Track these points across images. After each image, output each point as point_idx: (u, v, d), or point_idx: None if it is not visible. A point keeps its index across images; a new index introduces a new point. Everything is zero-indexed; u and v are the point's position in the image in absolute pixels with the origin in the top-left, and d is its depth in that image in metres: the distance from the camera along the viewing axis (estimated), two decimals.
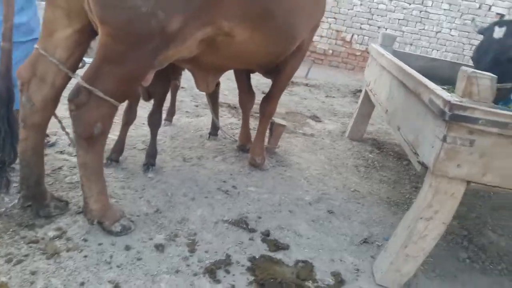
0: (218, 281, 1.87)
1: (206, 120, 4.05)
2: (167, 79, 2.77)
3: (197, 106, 4.51)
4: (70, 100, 1.79)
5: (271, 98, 3.02)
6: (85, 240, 1.97)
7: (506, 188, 1.83)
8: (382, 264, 2.09)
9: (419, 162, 1.98)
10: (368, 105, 4.19)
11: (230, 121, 4.17)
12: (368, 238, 2.48)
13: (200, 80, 2.57)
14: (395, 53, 3.73)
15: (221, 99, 4.75)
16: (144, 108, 3.60)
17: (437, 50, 8.75)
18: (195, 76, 2.58)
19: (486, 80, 1.70)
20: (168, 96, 3.79)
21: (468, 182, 1.83)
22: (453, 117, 1.68)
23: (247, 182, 2.90)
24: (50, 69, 1.92)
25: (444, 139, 1.75)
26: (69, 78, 2.00)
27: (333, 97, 6.13)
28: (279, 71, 2.87)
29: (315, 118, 4.88)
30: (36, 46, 1.94)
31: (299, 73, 7.14)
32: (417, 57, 4.30)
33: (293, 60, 2.83)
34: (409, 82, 2.34)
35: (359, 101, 4.30)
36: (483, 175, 1.79)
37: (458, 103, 1.68)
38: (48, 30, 1.89)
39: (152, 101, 2.82)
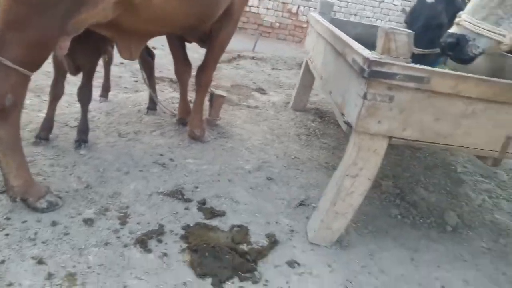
0: (150, 251, 1.86)
1: (145, 95, 3.93)
2: (95, 50, 2.64)
3: (136, 81, 4.37)
4: None
5: (205, 68, 2.97)
6: (8, 219, 1.88)
7: (426, 141, 1.92)
8: (314, 223, 2.15)
9: (345, 122, 2.03)
10: (309, 75, 4.22)
11: (171, 95, 4.08)
12: (304, 200, 2.55)
13: (123, 48, 2.45)
14: (333, 21, 3.75)
15: (163, 73, 4.65)
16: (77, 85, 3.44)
17: (381, 20, 8.95)
18: (117, 43, 2.47)
19: (403, 36, 1.74)
20: (102, 72, 3.67)
21: (390, 137, 1.90)
22: (371, 74, 1.72)
23: (186, 154, 2.87)
24: None
25: (364, 96, 1.79)
26: None
27: (280, 69, 6.14)
28: (211, 39, 2.81)
29: (261, 90, 4.88)
30: None
31: (246, 47, 7.13)
32: (355, 24, 4.34)
33: (224, 27, 2.77)
34: (337, 45, 2.38)
35: (301, 71, 4.33)
36: (403, 130, 1.87)
37: (376, 59, 1.72)
38: None
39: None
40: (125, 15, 2.01)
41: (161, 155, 2.79)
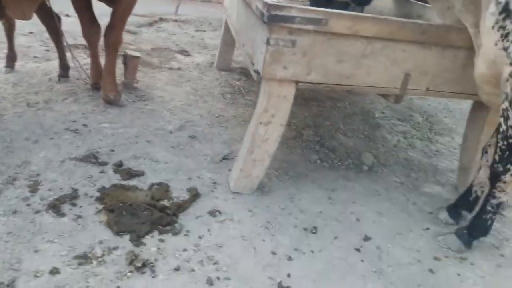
0: (63, 214, 1.80)
1: (56, 63, 3.67)
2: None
3: (47, 50, 4.07)
4: None
5: (113, 27, 2.82)
6: None
7: (330, 83, 1.99)
8: (234, 173, 2.20)
9: (254, 71, 2.05)
10: (230, 34, 4.16)
11: (86, 62, 3.85)
12: (228, 155, 2.58)
13: (14, 6, 2.25)
14: None
15: (78, 41, 4.35)
16: None
17: None
18: (6, 2, 2.25)
19: None
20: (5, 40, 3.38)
21: (296, 82, 1.95)
22: (271, 18, 1.74)
23: (101, 119, 2.76)
24: None
25: (268, 42, 1.81)
26: None
27: (204, 31, 6.00)
28: (116, 2, 2.68)
29: (184, 52, 4.76)
30: None
31: (168, 10, 6.86)
32: None
33: None
34: None
35: (222, 29, 4.27)
36: (307, 74, 1.92)
37: (274, 3, 1.73)
38: None
39: None
40: None
41: (74, 121, 2.66)
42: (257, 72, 2.02)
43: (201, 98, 3.46)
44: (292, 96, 1.99)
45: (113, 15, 2.79)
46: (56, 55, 3.91)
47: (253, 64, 2.13)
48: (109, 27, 2.82)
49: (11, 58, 3.38)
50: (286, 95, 1.98)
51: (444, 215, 2.22)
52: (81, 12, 2.95)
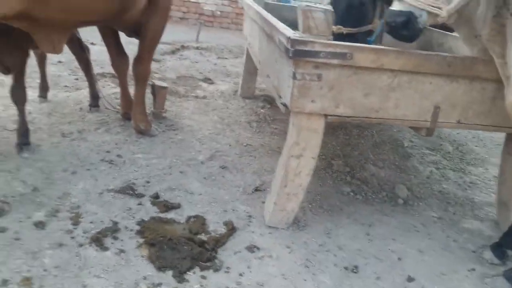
0: (106, 248, 1.82)
1: (86, 92, 3.77)
2: (20, 48, 2.50)
3: (77, 79, 4.19)
4: None
5: (140, 59, 2.91)
6: None
7: (359, 116, 1.99)
8: (268, 206, 2.21)
9: (282, 104, 2.08)
10: (252, 62, 4.26)
11: (114, 91, 3.96)
12: (259, 186, 2.59)
13: (44, 40, 2.34)
14: (267, 6, 3.78)
15: (105, 69, 4.48)
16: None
17: (320, 4, 9.13)
18: (36, 36, 2.34)
19: (320, 13, 1.78)
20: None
21: (325, 115, 1.96)
22: (296, 53, 1.76)
23: (134, 149, 2.81)
24: None
25: (294, 76, 1.84)
26: None
27: (226, 58, 6.13)
28: (142, 30, 2.78)
29: (208, 80, 4.85)
30: None
31: (189, 37, 7.02)
32: (290, 8, 4.41)
33: (153, 17, 2.74)
34: (267, 28, 2.41)
35: (244, 58, 4.35)
36: (336, 107, 1.93)
37: (297, 38, 1.76)
38: None
39: None
40: (32, 5, 1.92)
41: (108, 152, 2.72)
42: (285, 105, 2.05)
43: (228, 127, 3.51)
44: (322, 129, 2.00)
45: (140, 47, 2.88)
46: (85, 84, 4.04)
47: (280, 96, 2.17)
48: (137, 59, 2.91)
49: (44, 88, 3.49)
50: (316, 128, 1.99)
51: (489, 255, 2.14)
52: (109, 44, 3.06)
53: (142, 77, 2.95)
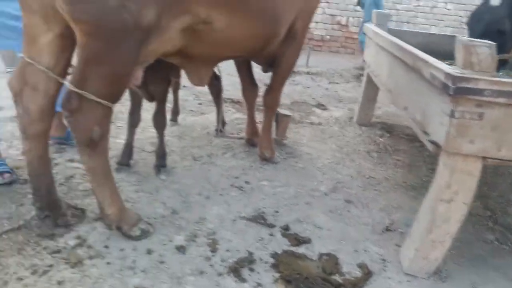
0: (244, 280, 1.84)
1: (211, 117, 4.01)
2: (166, 77, 2.72)
3: (200, 104, 4.47)
4: (63, 106, 1.75)
5: (273, 90, 2.98)
6: (107, 247, 1.95)
7: None
8: (408, 252, 2.05)
9: (430, 141, 1.93)
10: (372, 88, 4.14)
11: (235, 116, 4.13)
12: (390, 225, 2.45)
13: (192, 74, 2.50)
14: (390, 31, 3.67)
15: (224, 94, 4.71)
16: (149, 111, 3.56)
17: (435, 26, 8.65)
18: (186, 70, 2.51)
19: (485, 48, 1.63)
20: (171, 96, 3.77)
21: (484, 158, 1.78)
22: (458, 91, 1.62)
23: (260, 176, 2.87)
24: (40, 77, 1.86)
25: (452, 115, 1.69)
26: (61, 85, 1.95)
27: (337, 83, 6.07)
28: (277, 62, 2.82)
29: (321, 106, 4.83)
30: (21, 54, 1.89)
31: (299, 62, 7.11)
32: (413, 33, 4.22)
33: (289, 49, 2.76)
34: (407, 58, 2.29)
35: (363, 85, 4.25)
36: (498, 149, 1.73)
37: (461, 75, 1.62)
38: (29, 37, 1.82)
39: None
40: (191, 42, 2.04)
41: (236, 177, 2.81)
42: (434, 143, 1.90)
43: (347, 156, 3.42)
44: (478, 172, 1.80)
45: (273, 78, 2.94)
46: (208, 109, 4.28)
47: (426, 133, 2.02)
48: (269, 89, 2.97)
49: (175, 112, 3.77)
50: (472, 171, 1.80)
51: None
52: (243, 74, 3.19)
53: (271, 106, 3.03)
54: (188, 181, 2.70)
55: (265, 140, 3.06)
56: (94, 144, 1.79)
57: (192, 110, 4.21)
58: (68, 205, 2.12)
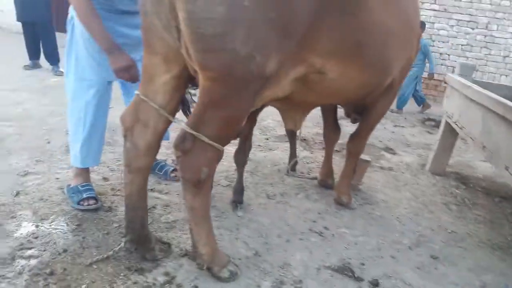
0: None
1: (280, 153, 3.99)
2: (254, 116, 2.73)
3: (267, 139, 4.47)
4: (176, 146, 1.78)
5: (359, 137, 2.90)
6: (196, 287, 1.91)
7: None
8: None
9: None
10: (450, 137, 4.00)
11: (303, 155, 4.08)
12: None
13: (289, 119, 2.49)
14: (475, 83, 3.55)
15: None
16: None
17: (506, 76, 8.32)
18: (283, 114, 2.51)
19: None
20: None
21: None
22: None
23: (338, 222, 2.76)
24: (152, 114, 1.94)
25: None
26: (169, 123, 2.01)
27: (402, 126, 5.92)
28: (370, 110, 2.75)
29: (389, 150, 4.70)
30: (136, 92, 1.97)
31: None
32: (498, 86, 4.07)
33: (384, 98, 2.69)
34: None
35: (440, 133, 4.10)
36: None
37: None
38: (148, 76, 1.92)
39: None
40: (299, 90, 2.04)
41: (314, 221, 2.72)
42: None
43: (424, 206, 3.25)
44: None
45: (362, 125, 2.87)
46: (275, 145, 4.27)
47: None
48: (356, 135, 2.90)
49: (248, 147, 3.77)
50: None
51: None
52: (328, 116, 3.16)
53: (356, 152, 2.95)
54: (266, 221, 2.65)
55: (344, 185, 2.98)
56: (201, 184, 1.79)
57: (260, 145, 4.21)
58: (156, 239, 2.12)
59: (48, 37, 6.68)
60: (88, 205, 2.46)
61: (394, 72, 2.45)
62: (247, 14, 1.52)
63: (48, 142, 3.52)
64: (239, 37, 1.53)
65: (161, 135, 2.01)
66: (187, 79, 1.96)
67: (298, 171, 3.56)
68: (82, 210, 2.45)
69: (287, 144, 4.27)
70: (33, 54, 6.79)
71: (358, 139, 2.90)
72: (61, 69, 6.62)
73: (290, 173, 3.47)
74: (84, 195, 2.47)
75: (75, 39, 2.39)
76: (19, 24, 6.79)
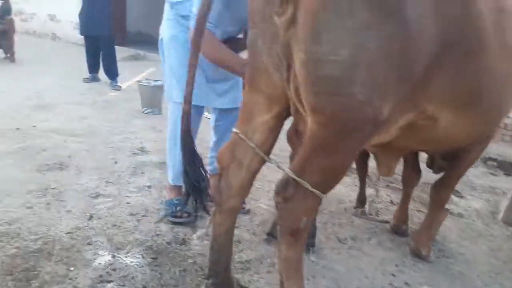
0: None
1: (343, 189, 3.84)
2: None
3: None
4: (278, 192, 1.69)
5: (446, 185, 2.71)
6: None
7: None
8: None
9: None
10: None
11: (368, 193, 3.88)
12: None
13: (384, 164, 2.37)
14: None
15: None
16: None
17: None
18: (378, 159, 2.39)
19: None
20: None
21: None
22: None
23: (418, 278, 2.57)
24: (248, 153, 1.88)
25: None
26: (263, 162, 1.94)
27: None
28: (461, 157, 2.56)
29: (456, 192, 4.41)
30: (235, 130, 1.91)
31: None
32: None
33: (478, 146, 2.51)
34: None
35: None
36: None
37: None
38: (248, 115, 1.86)
39: None
40: (403, 136, 1.91)
41: (393, 275, 2.55)
42: None
43: (504, 264, 3.00)
44: None
45: (449, 173, 2.69)
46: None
47: None
48: (442, 182, 2.72)
49: None
50: None
51: None
52: (409, 159, 2.99)
53: (441, 202, 2.77)
54: (341, 269, 2.50)
55: (424, 237, 2.79)
56: (298, 234, 1.69)
57: None
58: (237, 283, 2.02)
59: (109, 51, 6.85)
60: (181, 217, 2.66)
61: (502, 120, 2.28)
62: (370, 57, 1.42)
63: (115, 162, 3.53)
64: (359, 81, 1.44)
65: (254, 175, 1.95)
66: (284, 119, 1.89)
67: (366, 211, 3.39)
68: (175, 223, 2.64)
69: (348, 179, 4.12)
70: (93, 68, 6.99)
71: (445, 188, 2.71)
72: (119, 84, 6.77)
73: (358, 214, 3.31)
74: (177, 209, 2.66)
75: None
76: (75, 34, 6.98)
